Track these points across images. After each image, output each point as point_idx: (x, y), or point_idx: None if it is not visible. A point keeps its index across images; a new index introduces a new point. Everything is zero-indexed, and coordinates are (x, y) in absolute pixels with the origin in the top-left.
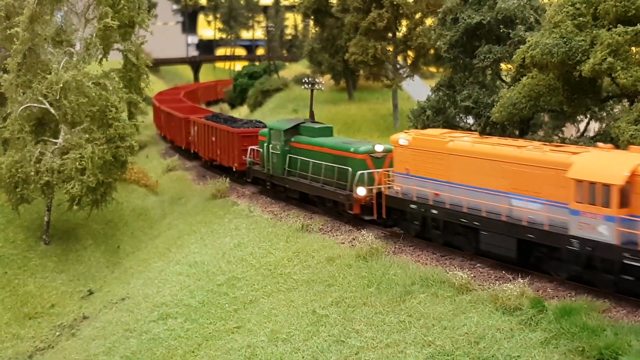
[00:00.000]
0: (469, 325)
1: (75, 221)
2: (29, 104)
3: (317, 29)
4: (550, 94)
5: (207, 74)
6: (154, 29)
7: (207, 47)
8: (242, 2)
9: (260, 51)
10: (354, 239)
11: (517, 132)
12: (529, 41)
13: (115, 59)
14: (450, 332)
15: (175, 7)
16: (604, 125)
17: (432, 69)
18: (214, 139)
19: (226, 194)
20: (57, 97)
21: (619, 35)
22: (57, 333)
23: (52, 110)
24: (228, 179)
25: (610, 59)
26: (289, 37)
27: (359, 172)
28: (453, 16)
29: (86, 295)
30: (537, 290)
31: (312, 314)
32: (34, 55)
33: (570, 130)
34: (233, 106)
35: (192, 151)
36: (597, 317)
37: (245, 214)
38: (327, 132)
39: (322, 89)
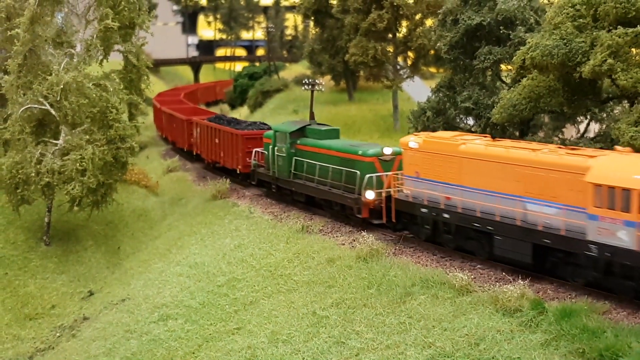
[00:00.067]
0: (469, 327)
1: (75, 222)
2: (29, 105)
3: (317, 29)
4: (550, 95)
5: (207, 75)
6: (154, 30)
7: (207, 48)
8: (242, 2)
9: (260, 52)
10: (354, 240)
11: (517, 133)
12: (529, 42)
13: (115, 60)
14: (451, 333)
15: (175, 7)
16: (604, 126)
17: (432, 70)
18: (217, 140)
19: (226, 195)
20: (58, 99)
21: (619, 37)
22: (58, 334)
23: (53, 112)
24: (228, 180)
25: (610, 61)
26: (289, 38)
27: (368, 176)
28: (453, 17)
29: (86, 296)
30: (538, 292)
31: (313, 315)
32: (35, 56)
33: (570, 131)
34: (233, 107)
35: (194, 153)
36: (598, 318)
37: (246, 215)
38: (334, 134)
39: (322, 89)
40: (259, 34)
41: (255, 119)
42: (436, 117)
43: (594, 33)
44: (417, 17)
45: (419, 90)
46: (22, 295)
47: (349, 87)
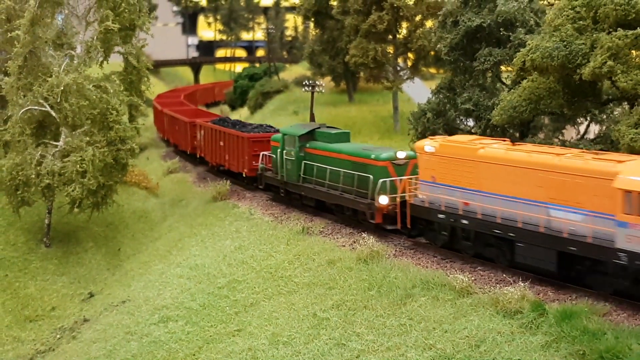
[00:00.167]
0: (469, 329)
1: (76, 224)
2: (29, 107)
3: (317, 31)
4: (550, 97)
5: (207, 76)
6: (154, 31)
7: (207, 49)
8: (242, 3)
9: (260, 53)
10: (354, 242)
11: (517, 135)
12: (529, 44)
13: (115, 62)
14: (451, 335)
15: (175, 8)
16: (604, 128)
17: (433, 71)
18: (222, 143)
19: (227, 197)
20: (58, 100)
21: (619, 39)
22: (58, 336)
23: (53, 113)
24: (229, 182)
25: (610, 63)
26: (289, 39)
27: (381, 180)
28: (453, 19)
29: (87, 297)
30: (538, 294)
31: (313, 317)
32: (35, 58)
33: (570, 133)
34: (233, 108)
35: (197, 156)
36: (598, 320)
37: (246, 216)
38: (344, 137)
39: (323, 91)
40: (259, 34)
41: (256, 120)
42: (436, 118)
43: (594, 35)
44: (417, 18)
45: (419, 92)
46: (22, 297)
47: (349, 89)
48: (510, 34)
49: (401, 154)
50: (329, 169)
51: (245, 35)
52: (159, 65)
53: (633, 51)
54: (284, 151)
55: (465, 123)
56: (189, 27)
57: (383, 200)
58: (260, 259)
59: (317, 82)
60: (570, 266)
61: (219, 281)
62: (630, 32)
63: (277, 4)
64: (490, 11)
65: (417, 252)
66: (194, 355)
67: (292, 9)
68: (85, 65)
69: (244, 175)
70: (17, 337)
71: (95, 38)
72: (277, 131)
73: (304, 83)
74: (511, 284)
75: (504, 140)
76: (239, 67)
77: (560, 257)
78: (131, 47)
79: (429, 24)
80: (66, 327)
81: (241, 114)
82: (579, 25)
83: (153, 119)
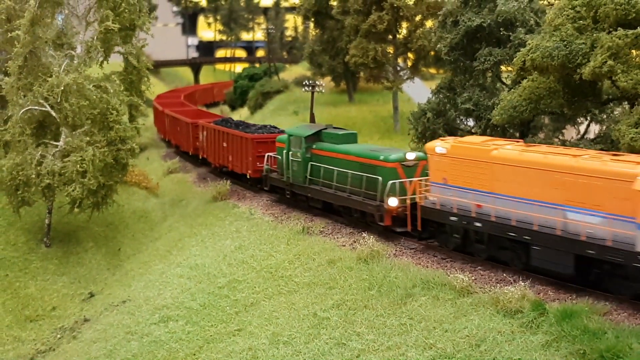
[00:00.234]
0: (470, 328)
1: (76, 224)
2: (30, 107)
3: (317, 31)
4: (550, 97)
5: (207, 76)
6: (154, 31)
7: (207, 49)
8: (242, 3)
9: (260, 53)
10: (354, 242)
11: (517, 135)
12: (529, 44)
13: (116, 62)
14: (452, 334)
15: (175, 8)
16: (604, 127)
17: (433, 71)
18: (225, 144)
19: (227, 197)
20: (58, 100)
21: (619, 39)
22: (58, 336)
23: (53, 113)
24: (229, 182)
25: (610, 62)
26: (289, 39)
27: (391, 182)
28: (453, 19)
29: (87, 297)
30: (538, 293)
31: (313, 317)
32: (35, 58)
33: (570, 133)
34: (233, 108)
35: (200, 157)
36: (598, 319)
37: (246, 216)
38: (352, 138)
39: (323, 91)
40: (259, 35)
41: (256, 121)
42: (436, 118)
43: (594, 35)
44: (417, 18)
45: (419, 92)
46: (22, 297)
47: (349, 89)
48: (511, 33)
49: (410, 155)
50: (337, 170)
51: (245, 36)
52: (159, 66)
53: (633, 51)
54: (290, 152)
55: (465, 123)
56: (189, 27)
57: (392, 202)
58: (261, 259)
59: (317, 82)
60: (588, 270)
61: (219, 281)
62: (631, 31)
63: (277, 4)
64: (490, 11)
65: (417, 251)
66: (194, 354)
67: (292, 9)
68: (85, 65)
69: (248, 177)
70: (17, 337)
71: (95, 38)
72: (281, 132)
73: (304, 83)
74: (511, 283)
75: (517, 142)
76: (239, 68)
77: (577, 260)
78: (131, 47)
79: (429, 23)
80: (66, 327)
81: (241, 114)
82: (579, 25)
83: (153, 119)
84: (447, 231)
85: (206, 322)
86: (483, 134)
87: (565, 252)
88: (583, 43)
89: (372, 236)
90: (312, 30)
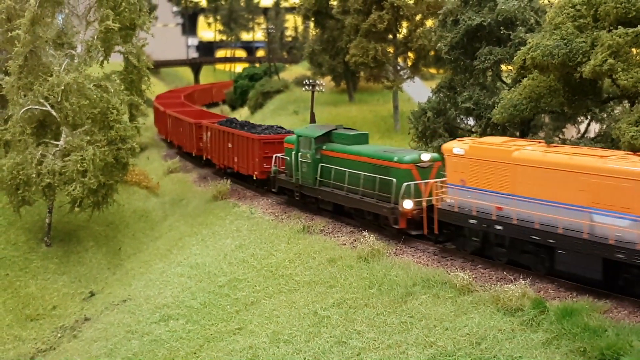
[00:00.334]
0: (470, 326)
1: (76, 223)
2: (30, 107)
3: (317, 30)
4: (550, 96)
5: (207, 76)
6: (154, 31)
7: (207, 49)
8: (242, 3)
9: (260, 53)
10: (355, 241)
11: (517, 134)
12: (529, 43)
13: (116, 61)
14: (452, 333)
15: (175, 8)
16: (604, 126)
17: (433, 70)
18: (230, 145)
19: (227, 196)
20: (59, 100)
21: (620, 37)
22: (59, 335)
23: (54, 113)
24: (229, 181)
25: (610, 61)
26: (289, 39)
27: (405, 184)
28: (453, 18)
29: (87, 296)
30: (539, 291)
31: (314, 315)
32: (35, 57)
33: (570, 132)
34: (234, 108)
35: (203, 158)
36: (599, 317)
37: (247, 215)
38: (363, 139)
39: (323, 90)
40: (259, 35)
41: (256, 120)
42: (436, 117)
43: (595, 33)
44: (418, 17)
45: (419, 91)
46: (23, 296)
47: (349, 88)
48: (511, 32)
49: (425, 157)
50: (348, 171)
51: (245, 36)
52: (159, 66)
53: (633, 49)
54: (299, 153)
55: (465, 122)
56: (189, 27)
57: (407, 204)
58: (261, 258)
59: (317, 82)
60: (617, 274)
61: (219, 280)
62: (631, 29)
63: (277, 4)
64: (490, 10)
65: (417, 250)
66: (194, 353)
67: (292, 9)
68: (85, 64)
69: (254, 178)
70: (18, 336)
71: (95, 37)
72: (288, 132)
73: (304, 83)
74: (512, 281)
75: (538, 142)
76: (239, 68)
77: (605, 264)
78: (131, 47)
79: (429, 23)
80: (67, 326)
81: (241, 113)
82: (579, 24)
83: (154, 119)
84: (466, 234)
85: (207, 320)
86: (483, 132)
87: (593, 256)
88: (583, 41)
89: (372, 235)
90: (312, 30)
